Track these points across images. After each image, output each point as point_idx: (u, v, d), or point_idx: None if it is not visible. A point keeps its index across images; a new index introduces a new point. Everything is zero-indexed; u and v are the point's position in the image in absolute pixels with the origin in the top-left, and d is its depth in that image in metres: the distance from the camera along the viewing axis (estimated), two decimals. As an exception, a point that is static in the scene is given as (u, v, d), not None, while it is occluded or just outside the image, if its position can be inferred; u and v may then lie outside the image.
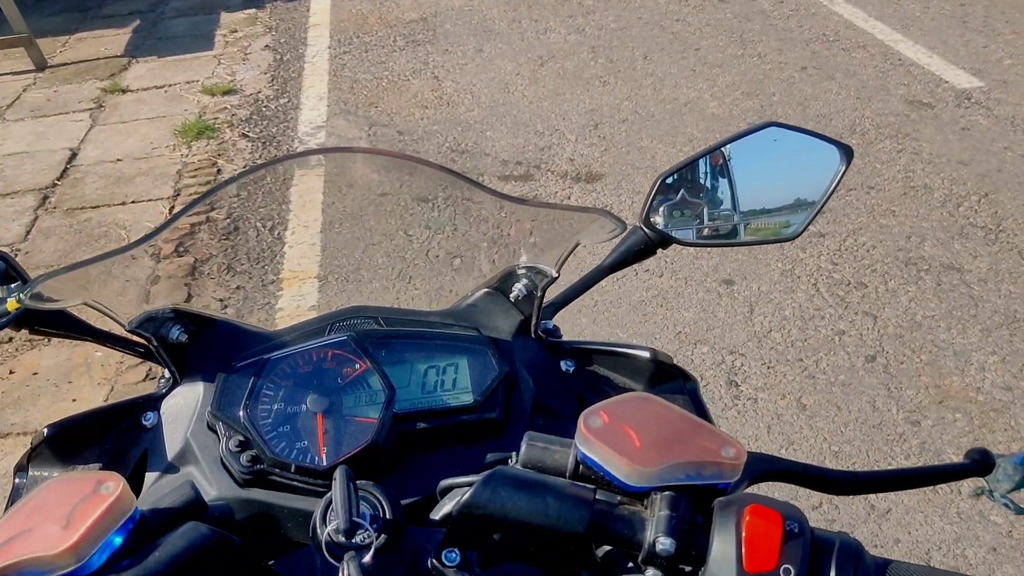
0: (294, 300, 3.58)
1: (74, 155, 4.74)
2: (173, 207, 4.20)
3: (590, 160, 4.40)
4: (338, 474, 0.68)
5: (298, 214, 4.16)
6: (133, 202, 4.25)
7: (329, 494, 0.71)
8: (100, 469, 0.92)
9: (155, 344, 0.91)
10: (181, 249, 3.94)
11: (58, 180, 4.49)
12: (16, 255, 3.90)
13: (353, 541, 0.67)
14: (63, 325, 0.97)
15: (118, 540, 0.64)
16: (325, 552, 0.67)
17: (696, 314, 3.34)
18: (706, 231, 1.01)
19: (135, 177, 4.49)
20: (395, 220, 3.97)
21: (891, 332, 3.21)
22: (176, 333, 0.93)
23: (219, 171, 4.55)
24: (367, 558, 0.66)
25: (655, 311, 3.33)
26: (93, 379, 3.19)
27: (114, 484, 0.64)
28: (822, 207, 0.99)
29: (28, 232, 4.06)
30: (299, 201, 4.27)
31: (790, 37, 5.68)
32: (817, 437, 2.78)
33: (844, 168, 0.97)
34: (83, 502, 0.63)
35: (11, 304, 0.94)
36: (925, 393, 2.92)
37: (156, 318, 0.92)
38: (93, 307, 0.90)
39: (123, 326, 0.91)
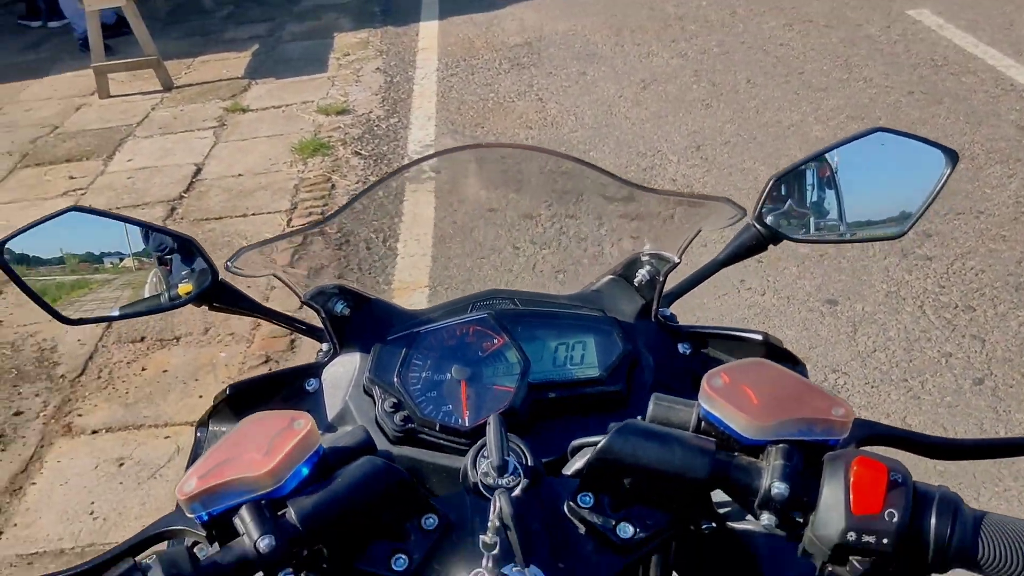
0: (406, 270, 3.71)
1: (199, 170, 5.04)
2: (290, 219, 4.42)
3: (692, 181, 4.46)
4: (492, 419, 0.78)
5: (410, 227, 4.33)
6: (253, 214, 4.49)
7: (479, 442, 0.81)
8: None
9: (323, 315, 1.03)
10: (295, 258, 4.14)
11: (184, 193, 4.78)
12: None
13: (501, 481, 0.77)
14: (237, 303, 1.09)
15: (305, 470, 0.75)
16: (479, 491, 0.77)
17: (798, 332, 3.36)
18: (802, 209, 1.09)
19: (255, 191, 4.74)
20: (504, 234, 4.11)
21: (1000, 356, 3.17)
22: (340, 307, 1.05)
23: (333, 187, 4.76)
24: (516, 492, 0.76)
25: (756, 327, 3.36)
26: (218, 378, 3.39)
27: (305, 421, 0.76)
28: (926, 209, 1.05)
29: (159, 241, 4.33)
30: (411, 214, 4.45)
31: (897, 62, 5.63)
32: (922, 458, 2.77)
33: (949, 172, 1.03)
34: (279, 435, 0.75)
35: (184, 288, 1.08)
36: (1035, 416, 2.88)
37: (325, 292, 1.05)
38: (279, 278, 1.03)
39: (299, 297, 1.03)
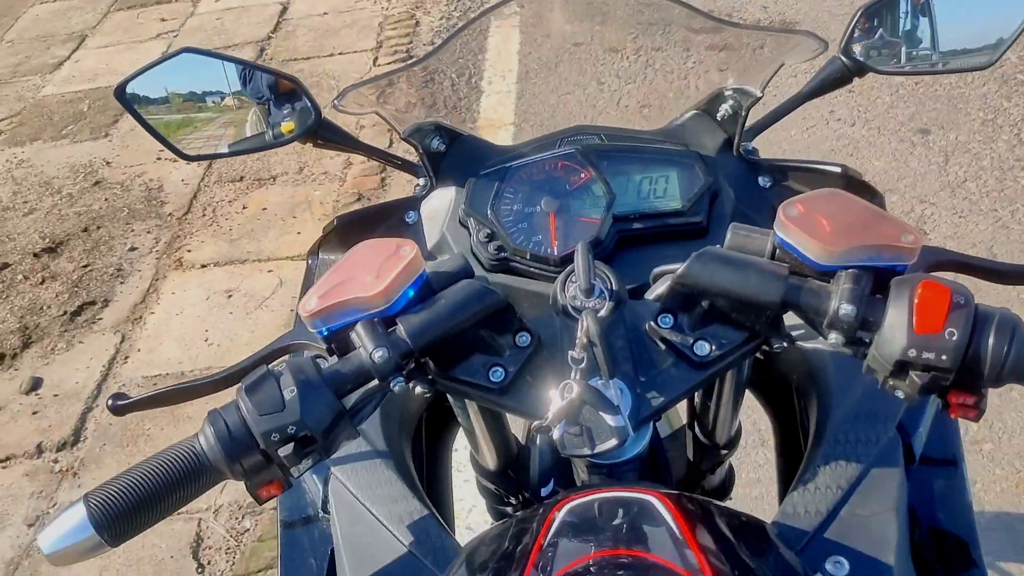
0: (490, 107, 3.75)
1: (285, 9, 5.06)
2: (376, 58, 4.44)
3: (784, 7, 4.30)
4: (580, 247, 0.85)
5: (494, 64, 4.32)
6: (340, 53, 4.53)
7: (567, 268, 0.89)
8: None
9: (420, 151, 1.10)
10: (396, 98, 4.19)
11: (272, 33, 4.83)
12: (241, 102, 4.27)
13: (588, 303, 0.85)
14: (340, 140, 1.16)
15: (411, 292, 0.83)
16: (571, 312, 0.85)
17: (887, 163, 3.31)
18: (889, 42, 1.09)
19: (340, 30, 4.76)
20: (589, 68, 4.07)
21: (1099, 184, 3.09)
22: (436, 143, 1.12)
23: (417, 23, 4.74)
24: (602, 312, 0.84)
25: (844, 160, 3.32)
26: (314, 215, 3.54)
27: (410, 247, 0.84)
28: (1017, 37, 1.05)
29: (250, 81, 4.43)
30: (495, 50, 4.42)
31: None
32: (1006, 287, 2.77)
33: None
34: (388, 259, 0.83)
35: (287, 127, 1.16)
36: None
37: (422, 129, 1.11)
38: (380, 115, 1.10)
39: (399, 133, 1.10)
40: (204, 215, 3.66)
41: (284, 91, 1.17)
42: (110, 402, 0.96)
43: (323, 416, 0.77)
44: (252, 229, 3.54)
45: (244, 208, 3.64)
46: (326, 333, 0.83)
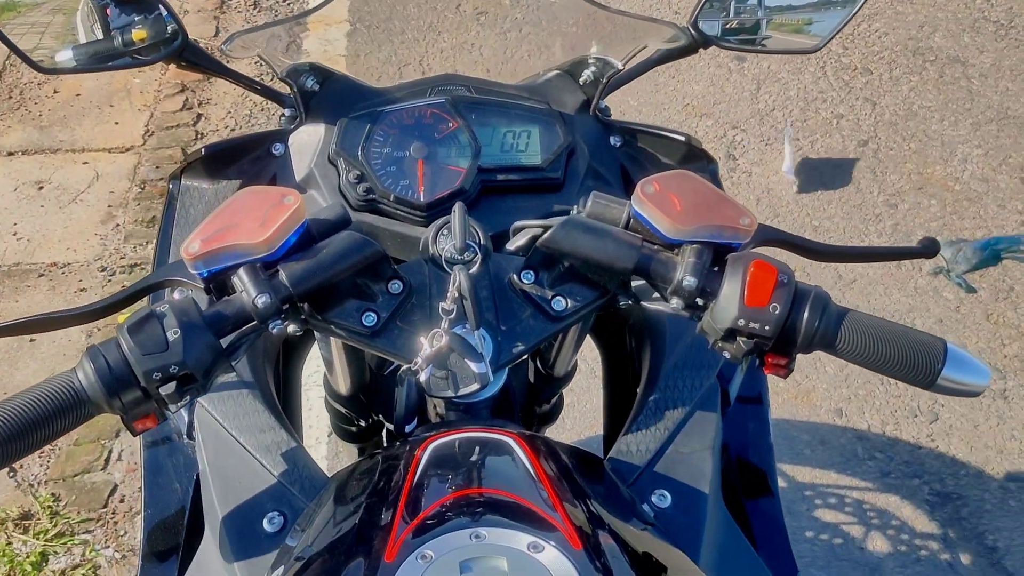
0: (321, 45, 3.68)
1: None
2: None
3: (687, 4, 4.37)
4: (458, 207, 0.91)
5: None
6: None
7: (440, 220, 0.95)
8: (239, 186, 1.16)
9: (295, 88, 1.12)
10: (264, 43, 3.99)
11: None
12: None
13: (460, 258, 0.92)
14: (205, 63, 1.15)
15: (293, 239, 0.88)
16: (441, 264, 0.92)
17: (705, 88, 3.50)
18: (732, 23, 1.20)
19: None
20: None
21: (887, 119, 3.40)
22: (311, 82, 1.14)
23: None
24: (473, 269, 0.91)
25: (667, 82, 3.49)
26: (133, 105, 3.37)
27: (294, 197, 0.87)
28: (841, 28, 1.17)
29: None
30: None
31: None
32: (802, 212, 3.05)
33: (863, 0, 1.15)
34: (272, 208, 0.86)
35: (138, 35, 1.14)
36: (907, 179, 3.16)
37: (298, 69, 1.13)
38: (262, 58, 1.10)
39: (276, 73, 1.11)
40: (11, 98, 3.40)
41: (154, 11, 1.15)
42: None
43: (204, 356, 0.81)
44: (64, 116, 3.33)
45: (55, 92, 3.41)
46: (206, 274, 0.85)
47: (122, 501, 2.25)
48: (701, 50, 1.17)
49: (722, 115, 3.40)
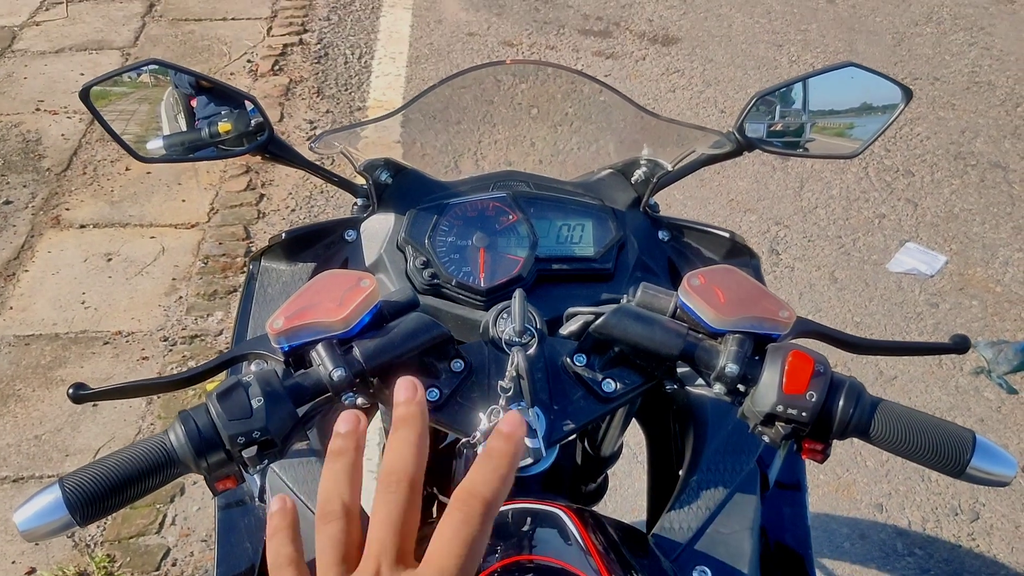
0: (378, 130, 3.84)
1: (173, -37, 4.95)
2: (271, 28, 4.43)
3: (668, 23, 4.55)
4: (518, 294, 1.00)
5: (385, 45, 4.38)
6: (233, 19, 4.49)
7: (500, 304, 1.04)
8: (313, 268, 1.25)
9: (370, 181, 1.22)
10: (276, 68, 4.20)
11: (160, -12, 4.72)
12: (127, 59, 4.18)
13: (520, 340, 1.00)
14: (288, 156, 1.26)
15: (367, 319, 0.96)
16: (501, 345, 1.00)
17: (749, 184, 3.60)
18: (777, 125, 1.28)
19: (232, -8, 4.71)
20: (482, 59, 4.18)
21: (928, 220, 3.46)
22: (384, 175, 1.24)
23: (311, -6, 4.74)
24: (530, 351, 0.99)
25: (712, 178, 3.59)
26: (200, 184, 3.54)
27: (370, 281, 0.96)
28: (879, 136, 1.26)
29: (137, 38, 4.34)
30: (387, 31, 4.49)
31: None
32: (843, 307, 3.10)
33: (903, 106, 1.23)
34: (349, 290, 0.95)
35: (224, 127, 1.25)
36: (948, 280, 3.21)
37: (374, 163, 1.23)
38: (346, 154, 1.21)
39: (355, 167, 1.22)
40: (85, 173, 3.60)
41: (239, 106, 1.26)
42: (71, 391, 1.04)
43: (284, 424, 0.89)
44: (135, 192, 3.51)
45: (127, 170, 3.60)
46: (287, 348, 0.94)
47: (174, 565, 2.32)
48: (746, 152, 1.26)
49: (766, 211, 3.48)
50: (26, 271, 3.18)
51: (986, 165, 3.72)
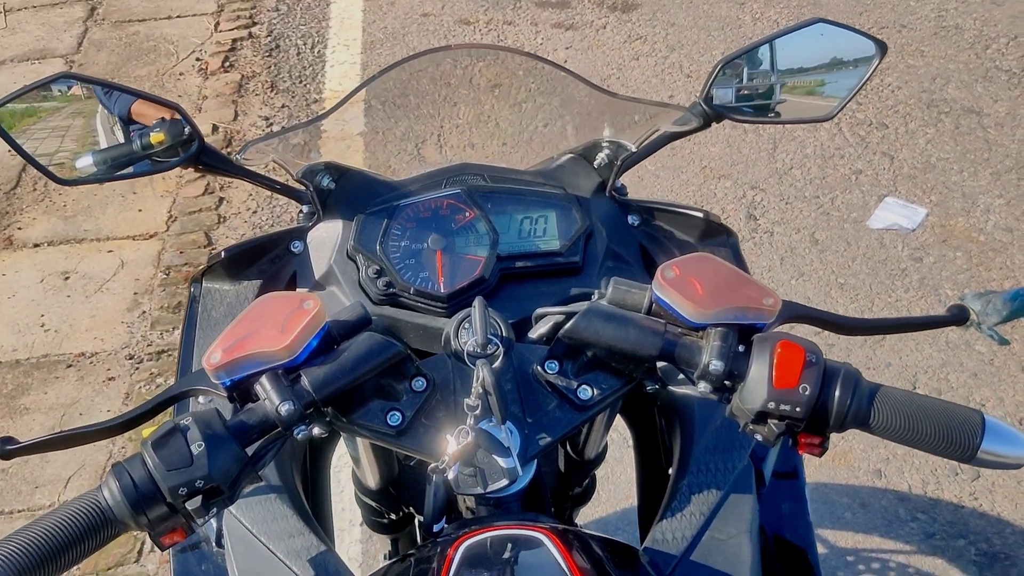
0: (338, 124, 3.72)
1: (114, -36, 4.79)
2: (218, 23, 4.29)
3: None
4: (477, 303, 0.91)
5: (338, 32, 4.26)
6: (178, 16, 4.34)
7: (461, 313, 0.95)
8: (260, 286, 1.16)
9: (311, 189, 1.13)
10: (227, 64, 4.07)
11: (102, -10, 4.57)
12: (71, 67, 4.03)
13: (485, 352, 0.91)
14: (221, 165, 1.16)
15: (314, 343, 0.87)
16: (464, 358, 0.91)
17: (722, 149, 3.51)
18: (745, 91, 1.19)
19: (177, -10, 4.56)
20: (438, 41, 4.06)
21: (906, 172, 3.39)
22: (327, 181, 1.15)
23: (260, -14, 4.59)
24: (496, 364, 0.90)
25: (683, 145, 3.49)
26: (156, 191, 3.42)
27: (313, 302, 0.87)
28: (854, 95, 1.17)
29: (80, 44, 4.19)
30: (338, 18, 4.36)
31: None
32: (826, 269, 3.02)
33: (878, 61, 1.15)
34: (292, 314, 0.86)
35: (156, 138, 1.15)
36: (931, 232, 3.14)
37: (313, 169, 1.14)
38: (278, 162, 1.11)
39: (292, 175, 1.12)
40: (35, 190, 3.47)
41: (165, 116, 1.16)
42: None
43: (230, 468, 0.80)
44: (88, 205, 3.38)
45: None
46: (229, 384, 0.85)
47: (154, 594, 2.23)
48: (714, 124, 1.17)
49: (740, 176, 3.40)
50: (-20, 297, 3.06)
51: (960, 111, 3.65)
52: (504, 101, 1.32)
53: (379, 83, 1.17)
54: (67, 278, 3.10)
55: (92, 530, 0.78)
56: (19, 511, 2.42)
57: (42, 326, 2.95)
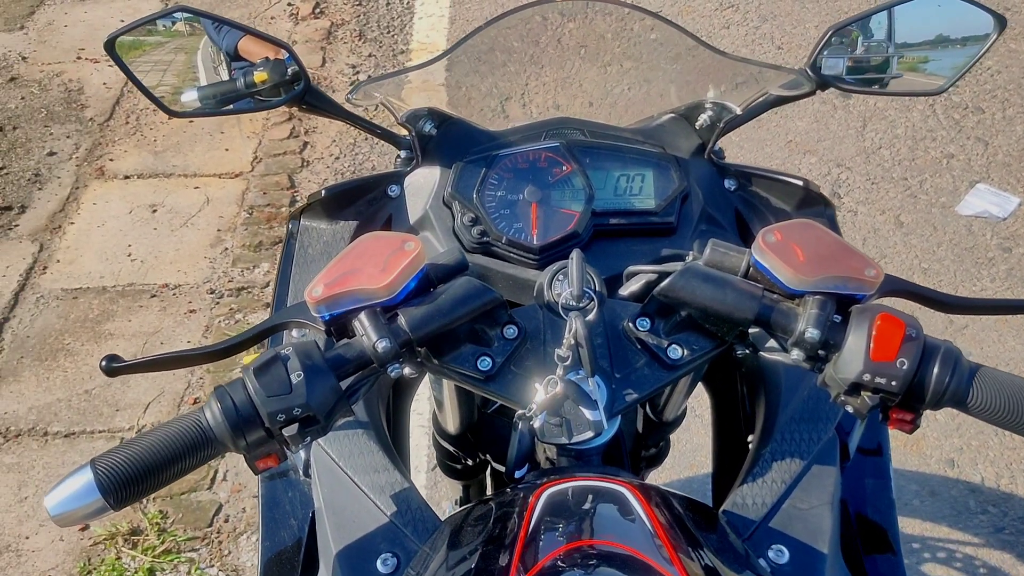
0: (422, 74, 3.74)
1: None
2: (310, -31, 4.33)
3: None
4: (575, 255, 0.91)
5: (428, -15, 4.26)
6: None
7: (555, 265, 0.96)
8: (356, 227, 1.18)
9: (413, 134, 1.14)
10: (317, 11, 4.11)
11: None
12: (168, 3, 4.10)
13: (578, 304, 0.92)
14: (326, 107, 1.18)
15: (412, 284, 0.89)
16: (557, 310, 0.92)
17: (809, 124, 3.44)
18: (855, 60, 1.17)
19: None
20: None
21: (1000, 160, 3.28)
22: (428, 126, 1.16)
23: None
24: (590, 317, 0.91)
25: (768, 118, 3.42)
26: (243, 132, 3.48)
27: (415, 243, 0.88)
28: (968, 70, 1.14)
29: (176, -17, 4.25)
30: (429, -29, 4.36)
31: None
32: (910, 253, 2.96)
33: (996, 36, 1.11)
34: (393, 254, 0.88)
35: (259, 77, 1.17)
36: (1022, 222, 3.05)
37: (417, 114, 1.15)
38: (385, 104, 1.13)
39: (396, 118, 1.14)
40: (127, 123, 3.56)
41: (270, 56, 1.18)
42: (104, 363, 0.99)
43: (327, 399, 0.82)
44: (178, 142, 3.46)
45: (170, 119, 3.54)
46: (328, 318, 0.87)
47: (227, 521, 2.31)
48: (819, 91, 1.15)
49: (826, 152, 3.33)
50: (72, 223, 3.16)
51: (1062, 100, 3.52)
52: (592, 63, 1.31)
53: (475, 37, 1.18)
54: (154, 211, 3.19)
55: (192, 448, 0.81)
56: (100, 431, 2.52)
57: (129, 256, 3.04)
